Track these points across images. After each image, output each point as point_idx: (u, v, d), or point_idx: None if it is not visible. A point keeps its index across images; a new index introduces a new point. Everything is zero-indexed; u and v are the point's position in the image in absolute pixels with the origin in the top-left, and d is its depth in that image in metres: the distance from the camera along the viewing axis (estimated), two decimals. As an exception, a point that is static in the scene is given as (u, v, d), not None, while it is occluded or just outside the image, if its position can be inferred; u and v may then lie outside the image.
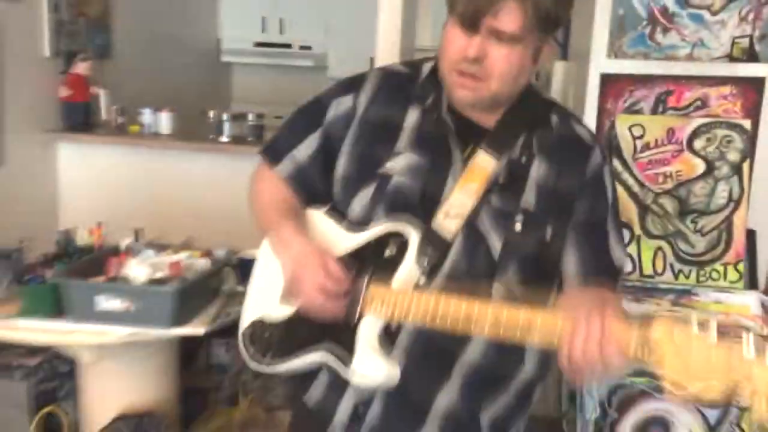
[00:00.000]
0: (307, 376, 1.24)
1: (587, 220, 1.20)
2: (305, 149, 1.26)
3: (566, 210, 1.18)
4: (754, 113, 2.66)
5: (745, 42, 2.61)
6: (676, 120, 2.67)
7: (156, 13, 4.12)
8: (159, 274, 1.78)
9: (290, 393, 1.43)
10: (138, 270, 1.77)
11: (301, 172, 1.27)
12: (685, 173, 2.64)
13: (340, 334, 1.14)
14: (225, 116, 3.06)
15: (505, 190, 1.16)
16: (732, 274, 2.62)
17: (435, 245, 1.13)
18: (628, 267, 1.11)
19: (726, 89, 2.66)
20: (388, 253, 1.14)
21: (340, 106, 1.25)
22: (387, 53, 3.18)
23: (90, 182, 3.14)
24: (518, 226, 1.15)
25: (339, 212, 1.24)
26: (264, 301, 1.27)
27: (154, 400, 2.13)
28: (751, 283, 2.62)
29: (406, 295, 1.10)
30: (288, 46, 5.19)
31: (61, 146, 3.14)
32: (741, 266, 2.61)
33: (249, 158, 2.86)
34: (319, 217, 1.25)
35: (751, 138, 2.65)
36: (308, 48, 5.19)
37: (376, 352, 1.12)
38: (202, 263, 1.96)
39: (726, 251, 2.62)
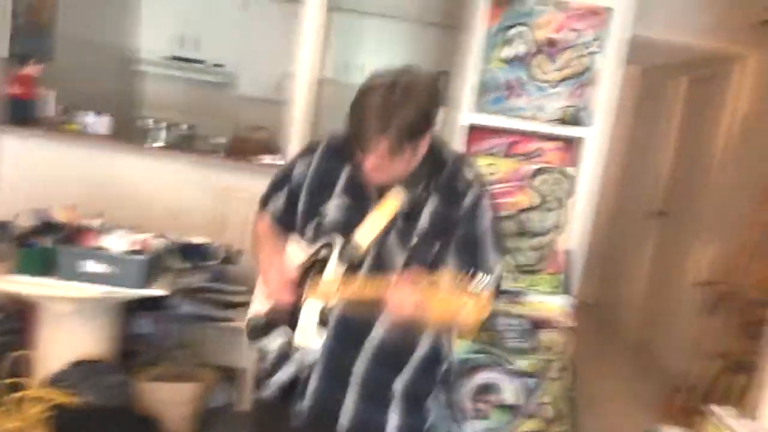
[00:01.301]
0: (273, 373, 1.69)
1: (464, 237, 1.58)
2: (280, 200, 1.75)
3: (450, 231, 1.58)
4: (575, 163, 3.49)
5: (573, 110, 3.38)
6: (521, 163, 3.40)
7: (88, 22, 4.45)
8: (134, 248, 2.32)
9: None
10: (117, 243, 2.30)
11: (278, 214, 1.75)
12: (525, 204, 3.37)
13: (292, 318, 1.59)
14: (161, 124, 3.53)
15: (407, 218, 1.57)
16: (553, 282, 3.38)
17: (355, 251, 1.55)
18: (497, 271, 1.68)
19: (556, 144, 3.41)
20: (324, 254, 1.58)
21: (300, 166, 1.72)
22: (304, 75, 3.74)
23: (30, 173, 3.51)
24: (414, 241, 1.56)
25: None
26: (260, 300, 1.81)
27: (103, 351, 2.65)
28: (566, 290, 3.38)
29: (332, 283, 1.54)
30: (202, 62, 5.55)
31: (4, 138, 3.52)
32: (560, 277, 3.39)
33: (179, 162, 3.35)
34: (291, 243, 1.72)
35: (573, 181, 3.49)
36: (221, 66, 5.59)
37: (312, 326, 1.55)
38: (161, 242, 2.51)
39: (550, 264, 3.40)
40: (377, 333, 1.59)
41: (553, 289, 3.39)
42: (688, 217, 4.82)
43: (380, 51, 5.75)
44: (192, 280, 2.56)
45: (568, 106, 3.41)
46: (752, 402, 2.49)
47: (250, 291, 3.32)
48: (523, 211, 3.38)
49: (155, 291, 2.32)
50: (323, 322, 1.56)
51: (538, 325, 3.24)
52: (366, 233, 1.57)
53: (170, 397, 2.67)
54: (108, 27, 5.11)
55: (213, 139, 3.75)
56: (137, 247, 2.34)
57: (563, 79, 3.39)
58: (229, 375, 3.22)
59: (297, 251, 1.68)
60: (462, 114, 3.41)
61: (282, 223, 1.74)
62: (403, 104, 1.45)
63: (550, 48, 3.39)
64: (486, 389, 3.12)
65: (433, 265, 1.55)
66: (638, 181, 5.71)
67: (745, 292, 3.55)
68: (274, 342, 1.69)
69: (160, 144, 3.54)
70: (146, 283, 2.32)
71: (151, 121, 3.56)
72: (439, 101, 1.57)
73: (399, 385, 1.64)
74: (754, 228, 3.73)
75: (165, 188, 3.48)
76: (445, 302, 1.31)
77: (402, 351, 1.63)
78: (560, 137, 3.42)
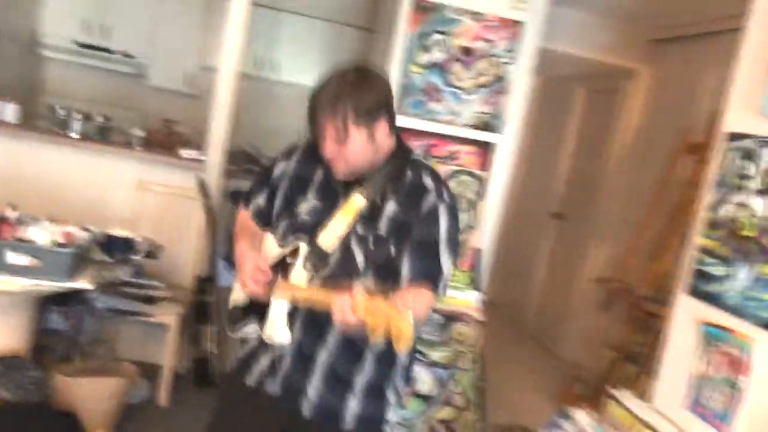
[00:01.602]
0: (247, 366, 1.78)
1: (420, 240, 1.62)
2: (261, 198, 1.84)
3: (406, 234, 1.62)
4: (487, 167, 3.69)
5: (486, 117, 3.55)
6: (437, 165, 3.54)
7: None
8: (59, 240, 2.28)
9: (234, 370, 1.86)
10: (41, 235, 2.25)
11: (258, 210, 1.84)
12: (439, 204, 3.57)
13: (262, 312, 1.68)
14: (76, 115, 3.43)
15: (366, 221, 1.63)
16: (464, 278, 3.56)
17: (319, 255, 1.63)
18: (446, 272, 1.63)
19: (471, 148, 3.56)
20: (289, 260, 1.66)
21: (279, 168, 1.80)
22: (227, 69, 3.72)
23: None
24: (371, 245, 1.62)
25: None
26: (237, 293, 1.85)
27: (19, 347, 2.58)
28: (476, 286, 3.57)
29: (296, 286, 1.62)
30: (110, 51, 5.37)
31: None
32: (471, 274, 3.58)
33: (96, 153, 3.27)
34: (268, 237, 1.79)
35: (484, 184, 3.68)
36: (130, 56, 5.43)
37: (280, 321, 1.64)
38: (84, 235, 2.47)
39: (463, 262, 3.60)
40: (338, 327, 1.64)
41: (464, 285, 3.57)
42: (583, 219, 5.18)
43: (296, 48, 5.79)
44: (116, 274, 2.53)
45: (482, 113, 3.58)
46: (643, 388, 2.75)
47: (170, 287, 3.34)
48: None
49: (81, 284, 2.29)
50: (291, 318, 1.64)
51: (451, 318, 3.41)
52: (330, 235, 1.63)
53: (90, 393, 2.64)
54: (11, 9, 4.88)
55: (130, 131, 3.67)
56: (62, 240, 2.30)
57: (478, 87, 3.56)
58: (148, 371, 3.20)
59: (273, 246, 1.75)
60: (383, 116, 3.52)
61: (262, 218, 1.83)
62: (355, 88, 1.56)
63: (466, 56, 3.56)
64: (402, 381, 3.25)
65: (390, 267, 1.62)
66: (538, 185, 6.05)
67: (636, 289, 3.87)
68: (238, 334, 1.79)
69: (75, 135, 3.43)
70: (71, 276, 2.28)
71: (63, 111, 3.45)
72: (391, 92, 1.65)
73: (359, 374, 1.70)
74: (644, 232, 4.06)
75: (80, 180, 3.39)
76: (381, 314, 1.35)
77: (361, 343, 1.68)
78: (473, 142, 3.57)
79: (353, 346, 1.68)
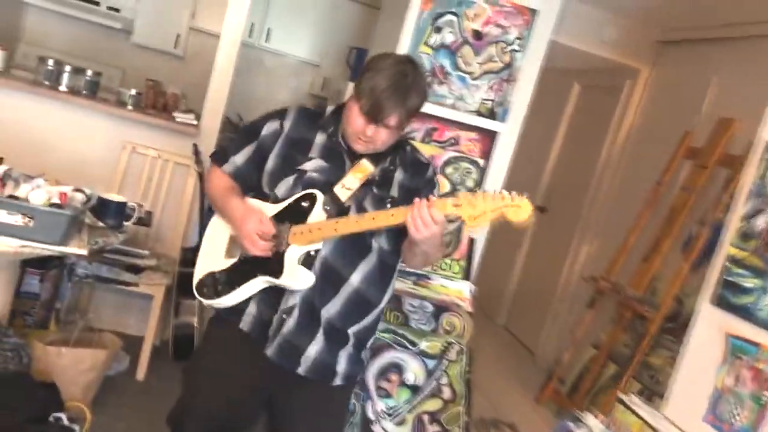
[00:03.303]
0: (236, 312, 1.79)
1: None
2: (242, 156, 1.85)
3: (413, 198, 1.69)
4: (487, 155, 3.63)
5: (490, 104, 3.50)
6: (436, 150, 3.48)
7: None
8: (54, 200, 2.12)
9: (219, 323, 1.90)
10: (36, 194, 2.09)
11: (239, 170, 1.85)
12: (436, 190, 3.50)
13: (268, 266, 1.72)
14: (67, 67, 3.24)
15: (380, 185, 1.77)
16: (456, 268, 3.51)
17: (336, 204, 1.72)
18: None
19: (472, 134, 3.50)
20: (305, 204, 1.72)
21: (270, 127, 1.84)
22: (228, 35, 3.59)
23: None
24: (389, 206, 1.72)
25: (263, 196, 1.82)
26: (211, 260, 1.84)
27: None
28: (467, 275, 3.55)
29: (318, 223, 1.68)
30: (96, 2, 5.08)
31: None
32: (462, 263, 3.56)
33: (85, 109, 3.10)
34: (251, 200, 1.83)
35: (483, 172, 3.62)
36: (116, 10, 5.15)
37: (300, 265, 1.70)
38: (79, 197, 2.32)
39: (455, 251, 3.54)
40: (355, 279, 1.77)
41: (455, 274, 3.51)
42: (567, 214, 5.15)
43: (290, 18, 5.61)
44: (110, 240, 2.38)
45: (486, 100, 3.51)
46: (625, 388, 2.73)
47: (155, 256, 3.19)
48: (433, 197, 3.48)
49: (74, 249, 2.14)
50: (307, 265, 1.71)
51: (441, 308, 3.35)
52: (344, 190, 1.74)
53: (71, 364, 2.50)
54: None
55: (121, 89, 3.48)
56: (57, 200, 2.14)
57: (485, 73, 3.49)
58: (127, 342, 3.06)
59: (262, 207, 1.79)
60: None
61: (241, 178, 1.86)
62: (414, 88, 1.71)
63: (476, 40, 3.48)
64: (391, 369, 3.18)
65: (396, 230, 1.73)
66: (525, 176, 6.00)
67: (625, 290, 3.86)
68: (230, 300, 1.78)
69: (63, 88, 3.24)
70: (65, 240, 2.13)
71: (52, 62, 3.24)
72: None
73: (354, 331, 1.82)
74: (636, 232, 4.05)
75: (65, 136, 3.20)
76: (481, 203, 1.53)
77: (369, 302, 1.81)
78: (476, 128, 3.51)
79: (363, 302, 1.79)
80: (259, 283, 1.75)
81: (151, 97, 3.61)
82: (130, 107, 3.41)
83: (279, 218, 1.75)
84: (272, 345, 1.75)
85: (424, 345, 3.25)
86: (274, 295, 1.75)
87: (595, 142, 4.99)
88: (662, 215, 3.92)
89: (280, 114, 1.86)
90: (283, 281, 1.71)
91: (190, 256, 3.31)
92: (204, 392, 1.82)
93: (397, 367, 3.19)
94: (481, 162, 3.61)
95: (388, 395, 3.14)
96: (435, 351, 3.27)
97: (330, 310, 1.76)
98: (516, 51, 3.53)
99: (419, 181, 1.84)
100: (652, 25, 4.43)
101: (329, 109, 1.88)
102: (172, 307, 3.17)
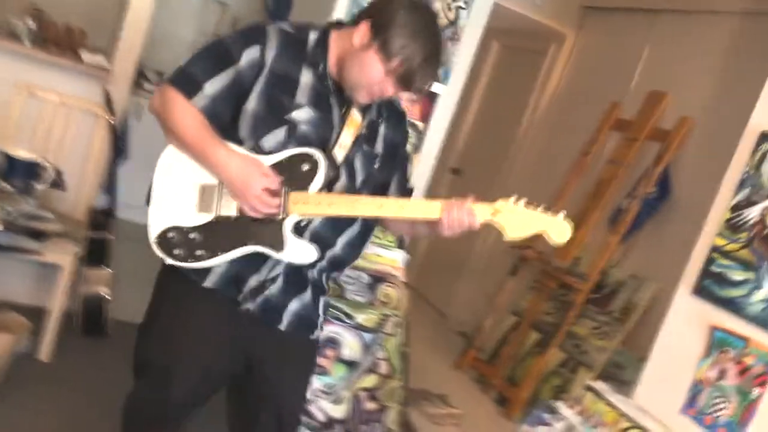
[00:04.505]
0: (201, 271, 1.56)
1: (405, 159, 1.77)
2: (215, 85, 1.50)
3: (396, 153, 1.72)
4: (426, 118, 3.47)
5: None
6: None
7: None
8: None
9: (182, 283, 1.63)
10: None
11: (214, 105, 1.51)
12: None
13: (264, 235, 1.52)
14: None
15: (367, 140, 1.64)
16: (390, 237, 3.38)
17: (332, 167, 1.57)
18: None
19: (412, 96, 3.38)
20: (305, 168, 1.52)
21: (249, 54, 1.51)
22: None
23: None
24: (377, 165, 1.66)
25: (235, 140, 1.53)
26: (174, 210, 1.50)
27: None
28: (400, 244, 3.42)
29: (324, 197, 1.53)
30: None
31: None
32: None
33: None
34: (234, 145, 1.53)
35: (421, 135, 3.46)
36: None
37: (298, 240, 1.55)
38: (-18, 155, 1.90)
39: None
40: (339, 244, 1.68)
41: (389, 243, 3.34)
42: (483, 179, 5.09)
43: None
44: (20, 207, 1.98)
45: (430, 59, 3.34)
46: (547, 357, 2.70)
47: (60, 219, 2.76)
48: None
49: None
50: (299, 233, 1.57)
51: (378, 279, 3.18)
52: (340, 150, 1.59)
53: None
54: None
55: (16, 20, 2.92)
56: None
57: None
58: (29, 316, 2.64)
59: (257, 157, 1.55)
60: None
61: (214, 113, 1.52)
62: (443, 51, 1.65)
63: (422, -6, 3.26)
64: (327, 344, 2.99)
65: (384, 183, 1.70)
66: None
67: (551, 260, 3.86)
68: (207, 265, 1.56)
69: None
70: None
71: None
72: None
73: (328, 283, 1.76)
74: (560, 202, 4.04)
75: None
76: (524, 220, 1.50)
77: (347, 260, 1.75)
78: (416, 89, 3.35)
79: (343, 262, 1.72)
80: (248, 251, 1.55)
81: (54, 33, 3.07)
82: (28, 43, 2.88)
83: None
84: (252, 302, 1.62)
85: (360, 318, 3.08)
86: (253, 258, 1.57)
87: (516, 106, 4.93)
88: (588, 187, 3.93)
89: (259, 37, 1.53)
90: (284, 256, 1.55)
91: (100, 219, 2.92)
92: (187, 354, 1.62)
93: (333, 342, 3.00)
94: (420, 125, 3.46)
95: (324, 372, 2.95)
96: (372, 324, 3.10)
97: (314, 273, 1.69)
98: (461, 8, 3.35)
99: (398, 134, 1.74)
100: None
101: (312, 36, 1.59)
102: (81, 277, 2.79)
